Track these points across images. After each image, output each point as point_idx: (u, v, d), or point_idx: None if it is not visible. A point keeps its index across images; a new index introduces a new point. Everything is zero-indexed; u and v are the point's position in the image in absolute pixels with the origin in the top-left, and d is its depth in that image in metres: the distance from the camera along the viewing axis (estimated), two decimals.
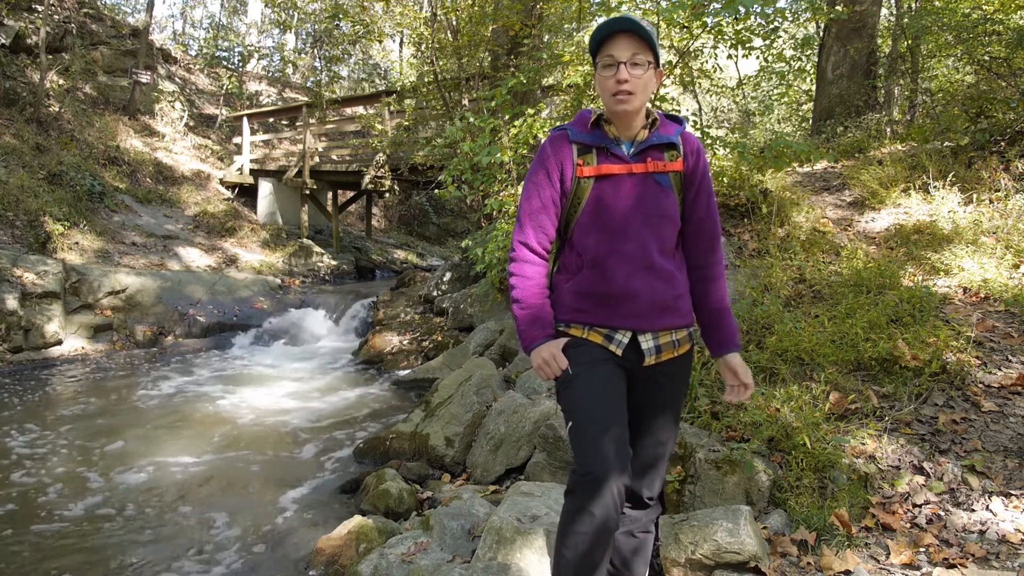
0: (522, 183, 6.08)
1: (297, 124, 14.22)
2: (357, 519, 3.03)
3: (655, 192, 1.75)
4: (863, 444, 2.73)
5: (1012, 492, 2.46)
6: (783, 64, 10.03)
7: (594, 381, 1.75)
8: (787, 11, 9.92)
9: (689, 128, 1.88)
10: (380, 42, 17.12)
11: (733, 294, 4.16)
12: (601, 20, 7.30)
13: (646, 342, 1.78)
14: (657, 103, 5.58)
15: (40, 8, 11.99)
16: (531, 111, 5.56)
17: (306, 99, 15.41)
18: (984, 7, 7.20)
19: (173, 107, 14.86)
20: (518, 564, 2.33)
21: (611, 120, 1.79)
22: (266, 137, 14.58)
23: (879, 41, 10.09)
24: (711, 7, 5.01)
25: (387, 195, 12.56)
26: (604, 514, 1.64)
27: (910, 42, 9.15)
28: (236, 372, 6.87)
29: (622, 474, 1.66)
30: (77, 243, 8.93)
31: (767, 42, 7.31)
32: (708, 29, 5.49)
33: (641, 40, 1.70)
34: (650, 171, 1.76)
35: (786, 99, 14.17)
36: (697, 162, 1.81)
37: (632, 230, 1.74)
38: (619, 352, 1.78)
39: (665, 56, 6.70)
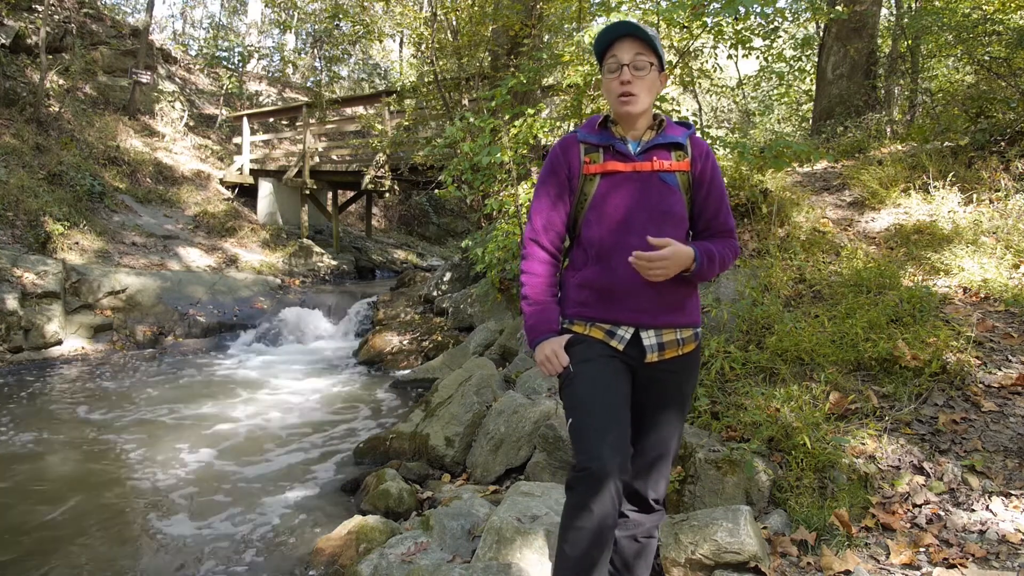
0: (522, 183, 6.02)
1: (297, 124, 14.22)
2: (357, 519, 3.04)
3: (660, 189, 1.79)
4: (863, 444, 2.73)
5: (1012, 492, 2.46)
6: (783, 64, 10.03)
7: (594, 378, 1.76)
8: (787, 11, 9.94)
9: (696, 133, 1.90)
10: (380, 42, 17.14)
11: (733, 294, 4.16)
12: (601, 20, 7.31)
13: (648, 339, 1.79)
14: (657, 103, 5.58)
15: (40, 8, 11.98)
16: (531, 111, 5.56)
17: (306, 99, 15.40)
18: (984, 7, 7.21)
19: (173, 107, 14.85)
20: (518, 564, 2.33)
21: (617, 121, 1.86)
22: (266, 137, 14.58)
23: (879, 41, 10.09)
24: (711, 7, 5.01)
25: (387, 195, 12.56)
26: (602, 510, 1.64)
27: (910, 42, 9.14)
28: (236, 372, 6.87)
29: (620, 470, 1.66)
30: (77, 243, 8.93)
31: (767, 42, 7.32)
32: (708, 29, 5.48)
33: (643, 43, 1.77)
34: (655, 169, 1.79)
35: (786, 99, 14.17)
36: (706, 164, 1.84)
37: (636, 225, 1.76)
38: (620, 348, 1.79)
39: (665, 56, 6.70)
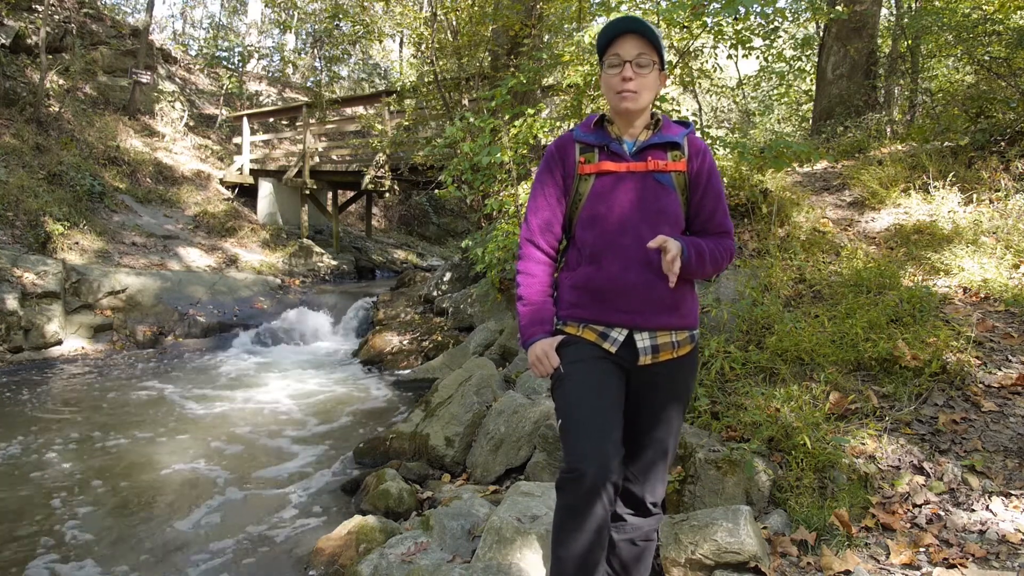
0: (522, 183, 6.01)
1: (297, 124, 14.22)
2: (357, 519, 3.04)
3: (655, 190, 1.77)
4: (863, 444, 2.73)
5: (1012, 492, 2.46)
6: (783, 64, 10.04)
7: (584, 379, 1.75)
8: (787, 11, 9.94)
9: (695, 133, 1.88)
10: (380, 42, 17.14)
11: (733, 294, 4.16)
12: (601, 20, 7.31)
13: (642, 341, 1.77)
14: (657, 103, 5.58)
15: (40, 8, 11.98)
16: (531, 111, 5.56)
17: (306, 99, 15.40)
18: (984, 7, 7.20)
19: (173, 107, 14.86)
20: (518, 564, 2.33)
21: (614, 120, 1.83)
22: (266, 137, 14.58)
23: (879, 41, 10.09)
24: (711, 7, 5.01)
25: (387, 195, 12.56)
26: (591, 510, 1.63)
27: (910, 42, 9.14)
28: (236, 372, 6.87)
29: (609, 471, 1.64)
30: (77, 243, 8.93)
31: (767, 42, 7.31)
32: (708, 29, 5.48)
33: (647, 41, 1.74)
34: (650, 169, 1.77)
35: (786, 99, 14.17)
36: (702, 164, 1.82)
37: (630, 226, 1.74)
38: (613, 350, 1.77)
39: (667, 56, 6.70)
